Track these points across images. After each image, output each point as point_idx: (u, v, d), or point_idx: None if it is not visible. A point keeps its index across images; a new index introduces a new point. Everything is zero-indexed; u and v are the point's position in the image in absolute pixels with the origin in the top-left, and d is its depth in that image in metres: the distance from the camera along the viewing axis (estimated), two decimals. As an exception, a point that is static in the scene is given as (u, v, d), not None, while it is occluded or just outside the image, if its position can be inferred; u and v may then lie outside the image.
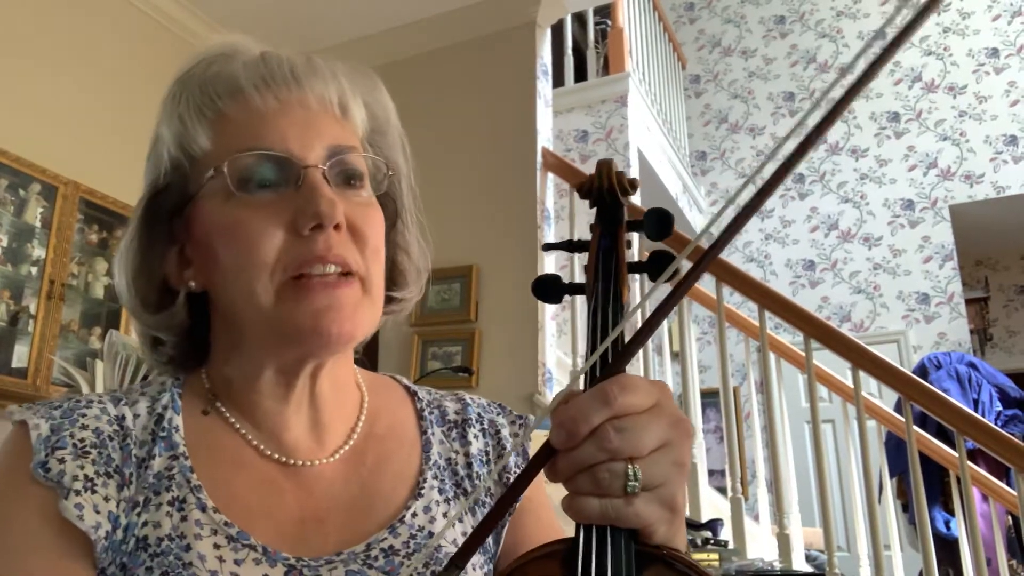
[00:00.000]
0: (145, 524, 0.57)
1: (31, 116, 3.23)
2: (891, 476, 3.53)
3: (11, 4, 3.24)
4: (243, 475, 0.61)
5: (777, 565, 2.64)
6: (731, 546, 2.67)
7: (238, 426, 0.64)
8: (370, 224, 0.61)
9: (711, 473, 4.23)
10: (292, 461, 0.63)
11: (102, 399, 0.62)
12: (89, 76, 3.52)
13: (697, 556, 2.39)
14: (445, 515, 0.65)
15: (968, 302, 5.61)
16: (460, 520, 0.65)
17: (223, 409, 0.64)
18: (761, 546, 3.15)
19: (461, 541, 0.62)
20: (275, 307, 0.58)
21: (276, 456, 0.63)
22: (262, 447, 0.63)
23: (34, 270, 3.12)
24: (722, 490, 3.62)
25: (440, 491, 0.66)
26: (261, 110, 0.60)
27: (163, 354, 0.67)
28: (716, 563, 2.39)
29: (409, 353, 3.50)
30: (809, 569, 2.92)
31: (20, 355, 3.02)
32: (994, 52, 5.78)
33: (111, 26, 3.67)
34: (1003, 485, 3.32)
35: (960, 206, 5.60)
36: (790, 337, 4.36)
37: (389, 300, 0.68)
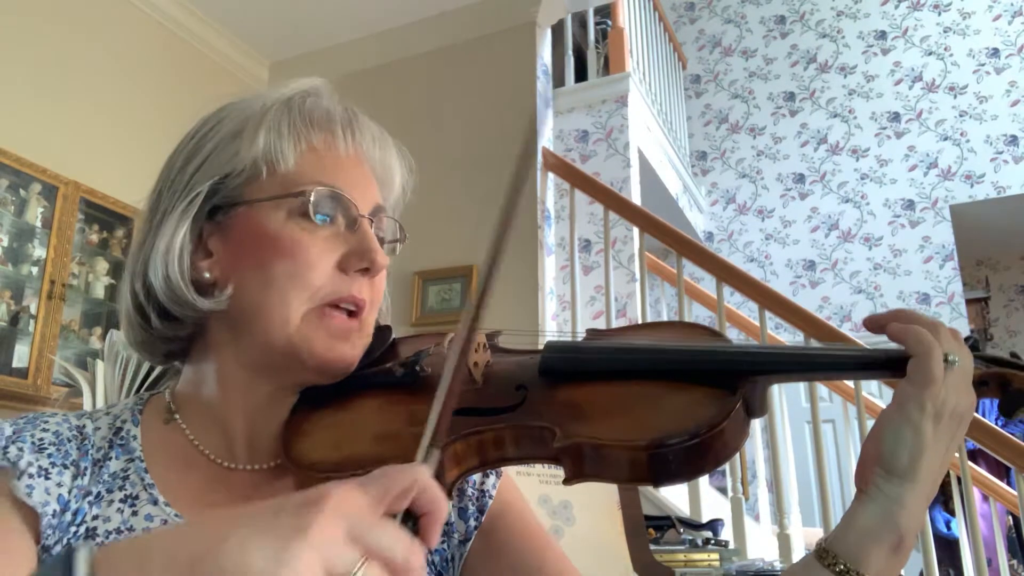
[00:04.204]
0: (96, 517, 0.62)
1: (31, 116, 3.23)
2: (891, 476, 3.52)
3: (11, 5, 3.24)
4: (193, 475, 0.67)
5: (777, 565, 2.64)
6: (731, 546, 2.67)
7: (191, 436, 0.69)
8: (383, 277, 0.70)
9: (711, 473, 4.21)
10: (241, 467, 0.67)
11: (67, 414, 0.69)
12: (89, 76, 3.52)
13: (697, 556, 2.38)
14: None
15: (969, 302, 5.60)
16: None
17: (180, 421, 0.70)
18: (761, 546, 3.15)
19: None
20: (299, 327, 0.64)
21: (226, 464, 0.68)
22: (211, 455, 0.68)
23: (35, 270, 3.12)
24: (723, 490, 3.63)
25: None
26: (341, 154, 0.69)
27: (157, 334, 0.68)
28: (716, 563, 2.39)
29: (409, 353, 3.50)
30: (809, 569, 2.91)
31: (21, 355, 3.02)
32: (995, 52, 5.77)
33: (111, 26, 3.67)
34: (1004, 485, 3.32)
35: (960, 206, 5.59)
36: (791, 337, 4.36)
37: None
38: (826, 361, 0.62)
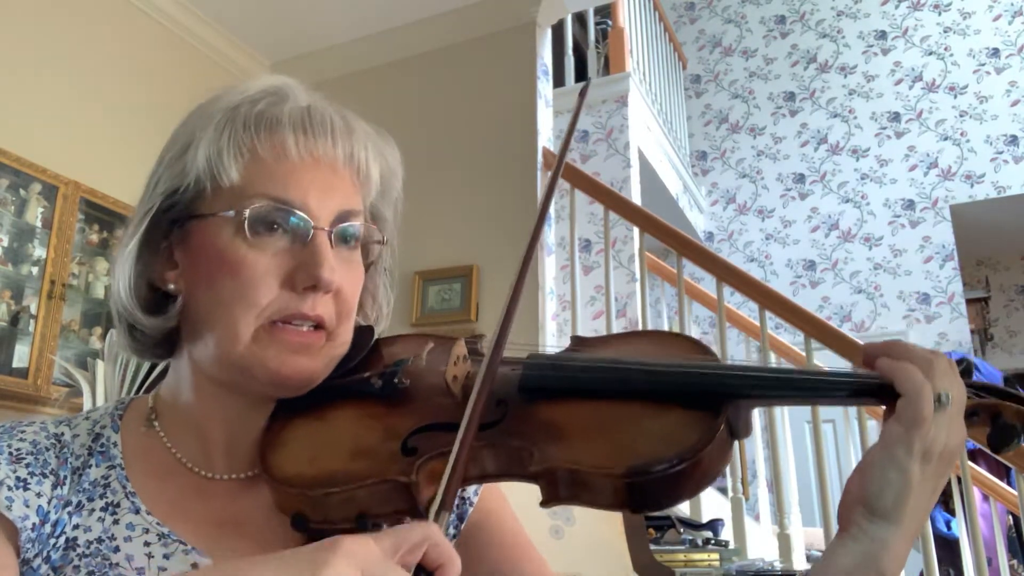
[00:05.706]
0: (76, 527, 0.61)
1: (31, 116, 3.23)
2: (892, 476, 3.53)
3: (11, 5, 3.24)
4: (172, 483, 0.65)
5: (777, 565, 2.64)
6: (732, 546, 2.67)
7: (169, 445, 0.68)
8: (352, 285, 0.66)
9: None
10: (219, 476, 0.66)
11: (44, 421, 0.67)
12: (89, 76, 3.51)
13: (697, 556, 2.39)
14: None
15: (969, 302, 5.60)
16: None
17: (158, 428, 0.69)
18: (762, 546, 3.15)
19: None
20: (248, 346, 0.61)
21: (204, 473, 0.67)
22: (189, 464, 0.67)
23: (35, 270, 3.12)
24: (723, 490, 3.62)
25: None
26: (293, 159, 0.64)
27: (140, 341, 0.69)
28: (716, 563, 2.39)
29: (409, 353, 3.49)
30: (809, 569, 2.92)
31: (21, 355, 3.02)
32: (995, 52, 5.77)
33: (111, 26, 3.67)
34: (1004, 485, 3.32)
35: (961, 206, 5.60)
36: (791, 337, 4.36)
37: None
38: (814, 386, 0.59)
